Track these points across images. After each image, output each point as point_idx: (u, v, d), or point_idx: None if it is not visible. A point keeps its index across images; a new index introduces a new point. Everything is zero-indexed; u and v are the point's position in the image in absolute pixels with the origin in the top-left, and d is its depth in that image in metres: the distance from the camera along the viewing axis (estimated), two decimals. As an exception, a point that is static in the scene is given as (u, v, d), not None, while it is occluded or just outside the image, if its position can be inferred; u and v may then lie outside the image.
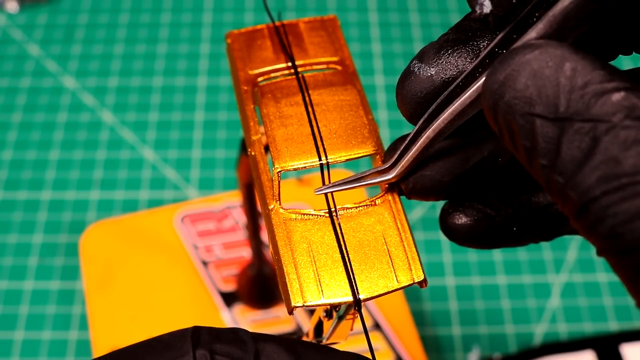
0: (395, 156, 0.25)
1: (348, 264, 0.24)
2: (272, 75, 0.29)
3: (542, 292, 0.50)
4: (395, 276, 0.24)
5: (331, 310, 0.26)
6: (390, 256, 0.25)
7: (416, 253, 0.25)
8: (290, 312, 0.24)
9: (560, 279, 0.51)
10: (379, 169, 0.26)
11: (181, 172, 0.55)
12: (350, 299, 0.24)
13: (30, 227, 0.52)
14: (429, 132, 0.24)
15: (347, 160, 0.26)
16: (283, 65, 0.29)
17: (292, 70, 0.29)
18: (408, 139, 0.25)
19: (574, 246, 0.52)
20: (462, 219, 0.26)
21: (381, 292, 0.24)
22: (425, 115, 0.24)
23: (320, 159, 0.26)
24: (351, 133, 0.26)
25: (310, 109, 0.27)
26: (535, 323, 0.49)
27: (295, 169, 0.26)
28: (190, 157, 0.56)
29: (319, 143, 0.26)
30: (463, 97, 0.22)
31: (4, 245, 0.52)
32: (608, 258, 0.18)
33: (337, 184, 0.26)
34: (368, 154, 0.26)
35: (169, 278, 0.49)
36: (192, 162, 0.56)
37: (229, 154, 0.56)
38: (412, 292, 0.49)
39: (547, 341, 0.48)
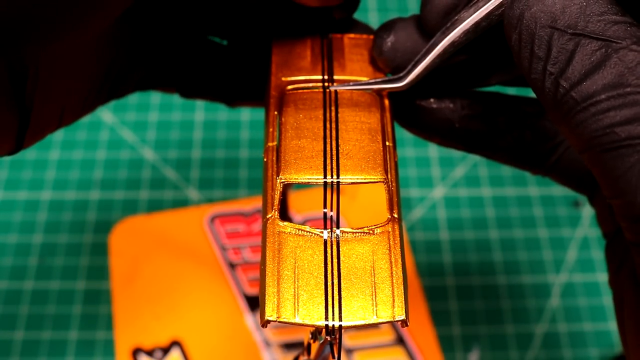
0: (409, 67, 0.27)
1: (329, 288, 0.24)
2: (303, 85, 0.28)
3: (542, 292, 0.50)
4: (375, 310, 0.23)
5: (316, 332, 0.26)
6: (375, 289, 0.24)
7: (403, 290, 0.24)
8: (264, 325, 0.23)
9: (560, 279, 0.51)
10: (392, 77, 0.27)
11: (181, 172, 0.55)
12: (323, 323, 0.23)
13: (30, 227, 0.52)
14: (444, 42, 0.26)
15: (352, 183, 0.25)
16: (315, 77, 0.28)
17: (321, 84, 0.28)
18: (423, 50, 0.26)
19: (574, 246, 0.52)
20: (437, 104, 0.29)
21: (357, 322, 0.23)
22: (443, 29, 0.26)
23: (325, 177, 0.25)
24: (363, 157, 0.26)
25: (328, 125, 0.27)
26: (535, 323, 0.49)
27: (299, 183, 0.25)
28: (190, 157, 0.56)
29: (329, 161, 0.26)
30: (478, 11, 0.25)
31: (15, 244, 0.52)
32: (590, 156, 0.21)
33: (351, 84, 0.28)
34: (375, 180, 0.26)
35: (196, 278, 0.49)
36: (192, 162, 0.56)
37: (229, 154, 0.56)
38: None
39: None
